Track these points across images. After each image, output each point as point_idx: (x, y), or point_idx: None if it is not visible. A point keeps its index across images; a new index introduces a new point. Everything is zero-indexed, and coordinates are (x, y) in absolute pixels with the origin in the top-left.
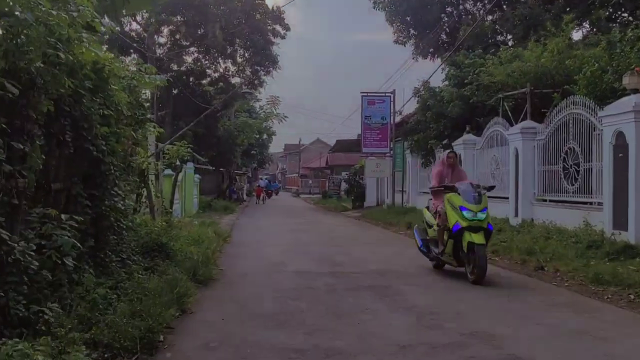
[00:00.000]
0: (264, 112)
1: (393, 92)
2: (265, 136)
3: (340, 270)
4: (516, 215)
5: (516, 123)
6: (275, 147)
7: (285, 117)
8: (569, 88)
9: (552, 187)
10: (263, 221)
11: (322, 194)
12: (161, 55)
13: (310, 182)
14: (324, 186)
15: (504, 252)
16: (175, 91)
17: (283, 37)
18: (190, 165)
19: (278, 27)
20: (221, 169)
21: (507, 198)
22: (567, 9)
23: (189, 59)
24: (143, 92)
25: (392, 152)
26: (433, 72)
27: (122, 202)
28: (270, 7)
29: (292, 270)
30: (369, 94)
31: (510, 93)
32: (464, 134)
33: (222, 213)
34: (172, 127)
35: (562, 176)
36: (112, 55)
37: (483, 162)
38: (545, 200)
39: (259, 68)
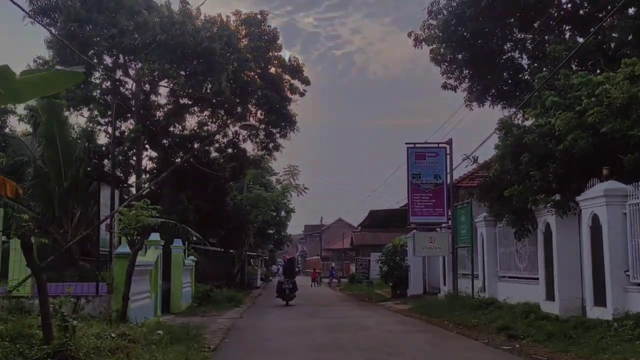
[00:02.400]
0: (281, 183)
1: (449, 142)
2: (283, 213)
3: None
4: None
5: None
6: (294, 228)
7: (306, 188)
8: None
9: None
10: (276, 322)
11: (349, 278)
12: (159, 118)
13: (333, 264)
14: (347, 269)
15: None
16: (178, 160)
17: (302, 94)
18: (177, 243)
19: (296, 82)
20: (231, 251)
21: None
22: None
23: (193, 121)
24: None
25: (450, 221)
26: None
27: None
28: (287, 59)
29: None
30: (417, 146)
31: None
32: (594, 180)
33: (223, 307)
34: (170, 200)
35: None
36: None
37: None
38: None
39: (273, 130)
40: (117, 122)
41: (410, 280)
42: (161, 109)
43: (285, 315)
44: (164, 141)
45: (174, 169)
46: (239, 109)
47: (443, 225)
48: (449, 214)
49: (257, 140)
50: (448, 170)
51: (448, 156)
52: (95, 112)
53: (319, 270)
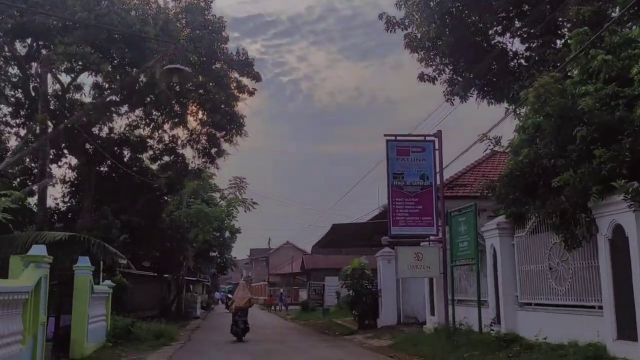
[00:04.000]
0: (225, 198)
1: (438, 135)
2: (227, 234)
3: None
4: None
5: None
6: (240, 251)
7: (254, 203)
8: None
9: None
10: None
11: (301, 305)
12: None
13: (281, 290)
14: (297, 295)
15: None
16: (103, 168)
17: (252, 93)
18: (82, 262)
19: (245, 80)
20: (166, 275)
21: None
22: None
23: (122, 123)
24: None
25: (440, 233)
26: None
27: None
28: (234, 51)
29: None
30: (398, 138)
31: None
32: None
33: (148, 346)
34: (92, 215)
35: None
36: None
37: None
38: None
39: (217, 133)
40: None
41: (381, 308)
42: (83, 107)
43: None
44: (87, 146)
45: (97, 178)
46: (176, 107)
47: (432, 237)
48: (439, 223)
49: (198, 146)
50: (437, 169)
51: (437, 152)
52: (4, 111)
53: (264, 297)
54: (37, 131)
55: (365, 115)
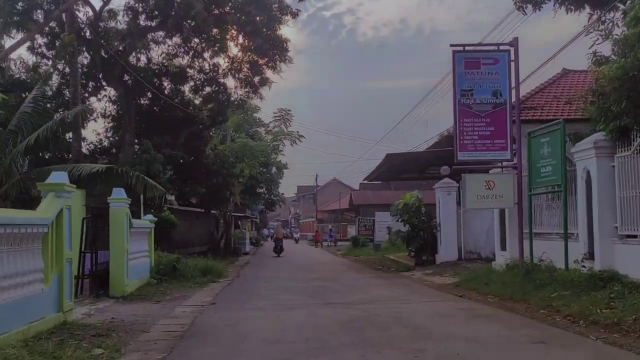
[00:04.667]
0: (270, 132)
1: (514, 44)
2: (274, 169)
3: None
4: None
5: None
6: (287, 189)
7: (301, 136)
8: None
9: None
10: (265, 316)
11: (351, 240)
12: (117, 46)
13: (330, 226)
14: (345, 231)
15: None
16: (144, 101)
17: (295, 15)
18: (118, 193)
19: None
20: (213, 212)
21: None
22: None
23: (160, 52)
24: None
25: (515, 158)
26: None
27: None
28: None
29: None
30: (467, 49)
31: None
32: None
33: (194, 283)
34: (134, 150)
35: None
36: None
37: None
38: None
39: (259, 60)
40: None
41: (440, 243)
42: (119, 36)
43: (282, 302)
44: (125, 78)
45: (138, 111)
46: (214, 32)
47: (505, 163)
48: (513, 147)
49: (240, 75)
50: (513, 85)
51: (513, 63)
52: (39, 42)
53: (312, 233)
54: (62, 53)
55: (411, 48)
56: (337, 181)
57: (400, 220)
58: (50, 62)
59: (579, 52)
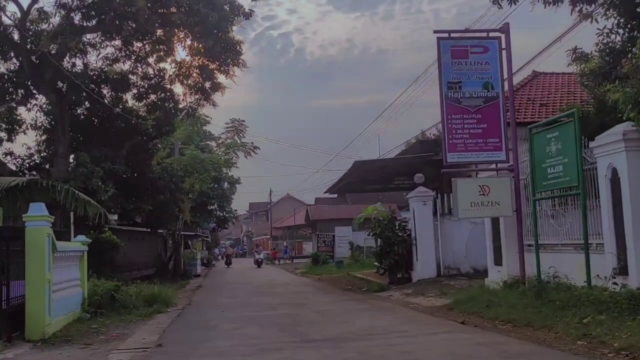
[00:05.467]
0: (222, 143)
1: (505, 29)
2: (226, 185)
3: None
4: None
5: None
6: (239, 206)
7: (256, 147)
8: None
9: None
10: (224, 355)
11: (312, 258)
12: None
13: (285, 243)
14: (300, 248)
15: None
16: (80, 111)
17: (248, 15)
18: (37, 209)
19: None
20: (160, 231)
21: None
22: None
23: (99, 56)
24: None
25: (510, 159)
26: None
27: None
28: None
29: None
30: (452, 36)
31: None
32: None
33: (138, 315)
34: (67, 163)
35: None
36: None
37: None
38: None
39: (210, 64)
40: None
41: (416, 258)
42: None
43: (248, 341)
44: (59, 84)
45: (73, 121)
46: (159, 33)
47: (500, 166)
48: (508, 147)
49: (189, 81)
50: (506, 75)
51: (504, 51)
52: None
53: (266, 251)
54: None
55: (358, 67)
56: (290, 197)
57: (371, 234)
58: None
59: (547, 57)
